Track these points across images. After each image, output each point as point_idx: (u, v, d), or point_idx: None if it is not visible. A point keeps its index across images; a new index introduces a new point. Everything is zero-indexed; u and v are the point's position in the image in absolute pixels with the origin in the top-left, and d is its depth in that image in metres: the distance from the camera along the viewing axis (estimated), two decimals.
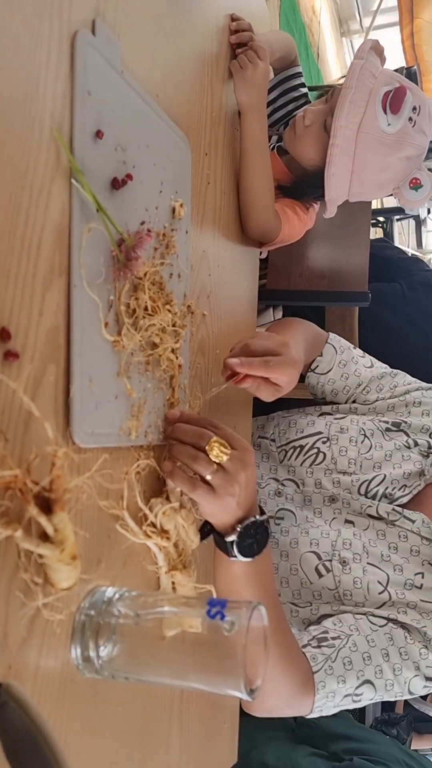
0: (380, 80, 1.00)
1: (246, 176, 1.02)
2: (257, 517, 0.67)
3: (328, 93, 1.08)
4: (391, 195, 1.12)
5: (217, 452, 0.62)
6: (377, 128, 1.00)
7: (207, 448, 0.63)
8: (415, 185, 1.08)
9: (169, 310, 0.67)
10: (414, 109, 1.00)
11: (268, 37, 1.11)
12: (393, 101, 0.98)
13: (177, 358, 0.70)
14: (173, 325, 0.68)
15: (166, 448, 0.68)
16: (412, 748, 1.87)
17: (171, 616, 0.52)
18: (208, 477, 0.63)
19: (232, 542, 0.66)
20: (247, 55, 0.98)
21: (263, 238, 1.09)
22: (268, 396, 0.78)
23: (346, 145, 1.01)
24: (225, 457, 0.62)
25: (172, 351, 0.69)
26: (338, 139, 1.00)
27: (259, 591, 0.71)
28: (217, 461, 0.63)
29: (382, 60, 1.06)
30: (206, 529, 0.69)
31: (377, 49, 1.06)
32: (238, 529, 0.66)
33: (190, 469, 0.64)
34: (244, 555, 0.67)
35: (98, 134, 0.56)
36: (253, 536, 0.67)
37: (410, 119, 1.00)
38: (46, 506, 0.45)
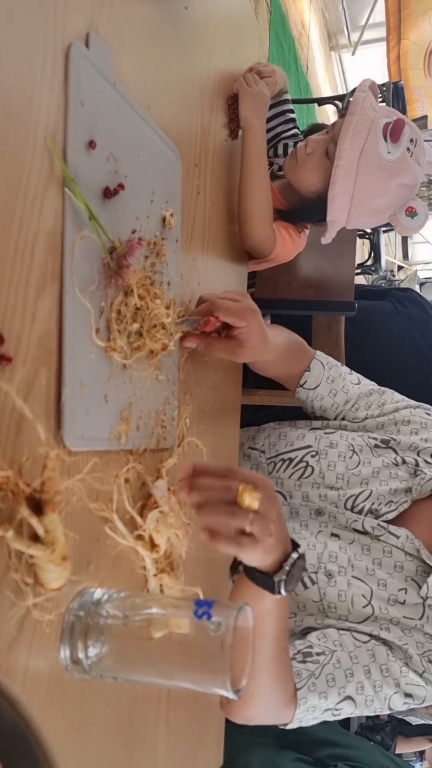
0: (380, 113, 1.06)
1: (246, 189, 1.06)
2: (299, 551, 0.66)
3: (329, 125, 1.13)
4: (388, 223, 1.16)
5: (249, 500, 0.59)
6: (378, 154, 1.04)
7: (239, 499, 0.60)
8: (411, 213, 1.12)
9: (157, 297, 0.67)
10: (411, 140, 1.06)
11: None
12: (393, 131, 1.03)
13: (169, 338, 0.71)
14: (167, 307, 0.69)
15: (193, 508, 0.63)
16: (398, 751, 1.88)
17: (159, 617, 0.52)
18: (248, 528, 0.60)
19: (280, 581, 0.64)
20: (253, 75, 1.05)
21: (259, 249, 1.12)
22: (229, 352, 0.82)
23: (349, 168, 1.05)
24: (256, 503, 0.59)
25: (163, 327, 0.69)
26: (342, 161, 1.04)
27: (277, 620, 0.70)
28: (250, 508, 0.60)
29: (377, 99, 1.12)
30: (239, 567, 0.67)
31: (373, 89, 1.11)
32: (286, 567, 0.64)
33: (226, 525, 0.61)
34: (288, 591, 0.65)
35: (91, 144, 0.57)
36: (297, 571, 0.66)
37: (408, 149, 1.05)
38: (37, 508, 0.46)
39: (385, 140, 1.03)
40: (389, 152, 1.04)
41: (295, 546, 0.67)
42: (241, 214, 1.07)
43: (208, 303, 0.79)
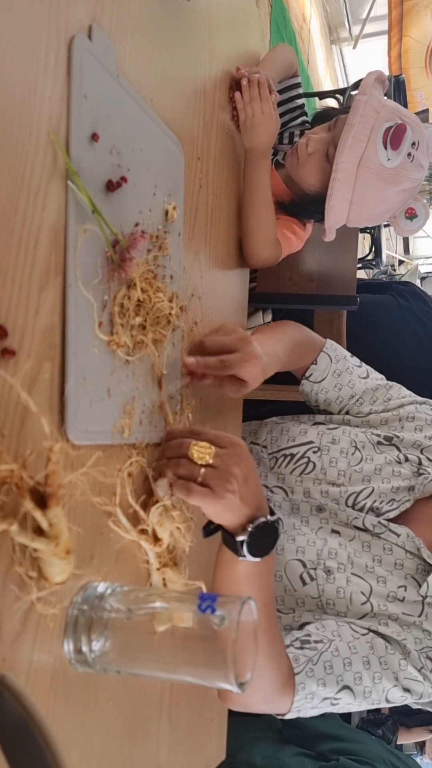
0: (382, 116, 1.02)
1: (247, 214, 1.05)
2: (268, 517, 0.66)
3: (331, 121, 1.10)
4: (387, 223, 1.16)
5: (197, 454, 0.63)
6: (377, 163, 1.02)
7: (188, 453, 0.63)
8: (411, 215, 1.12)
9: (160, 290, 0.67)
10: (413, 144, 1.03)
11: (273, 57, 1.14)
12: (393, 138, 1.01)
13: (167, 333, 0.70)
14: (169, 300, 0.69)
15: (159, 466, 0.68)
16: (398, 742, 1.89)
17: (162, 611, 0.52)
18: (199, 479, 0.63)
19: (242, 542, 0.65)
20: (253, 107, 1.01)
21: (263, 265, 1.12)
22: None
23: (347, 179, 1.04)
24: (207, 457, 0.63)
25: (164, 324, 0.69)
26: (340, 174, 1.03)
27: (258, 590, 0.70)
28: (200, 463, 0.63)
29: (384, 87, 1.09)
30: (211, 527, 0.68)
31: (380, 79, 1.08)
32: (249, 528, 0.65)
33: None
34: (254, 555, 0.66)
35: (94, 137, 0.57)
36: (264, 536, 0.66)
37: (409, 154, 1.03)
38: (41, 501, 0.46)
39: (385, 148, 1.02)
40: (389, 159, 1.02)
41: (272, 513, 0.68)
42: (244, 237, 1.06)
43: (215, 361, 0.77)
